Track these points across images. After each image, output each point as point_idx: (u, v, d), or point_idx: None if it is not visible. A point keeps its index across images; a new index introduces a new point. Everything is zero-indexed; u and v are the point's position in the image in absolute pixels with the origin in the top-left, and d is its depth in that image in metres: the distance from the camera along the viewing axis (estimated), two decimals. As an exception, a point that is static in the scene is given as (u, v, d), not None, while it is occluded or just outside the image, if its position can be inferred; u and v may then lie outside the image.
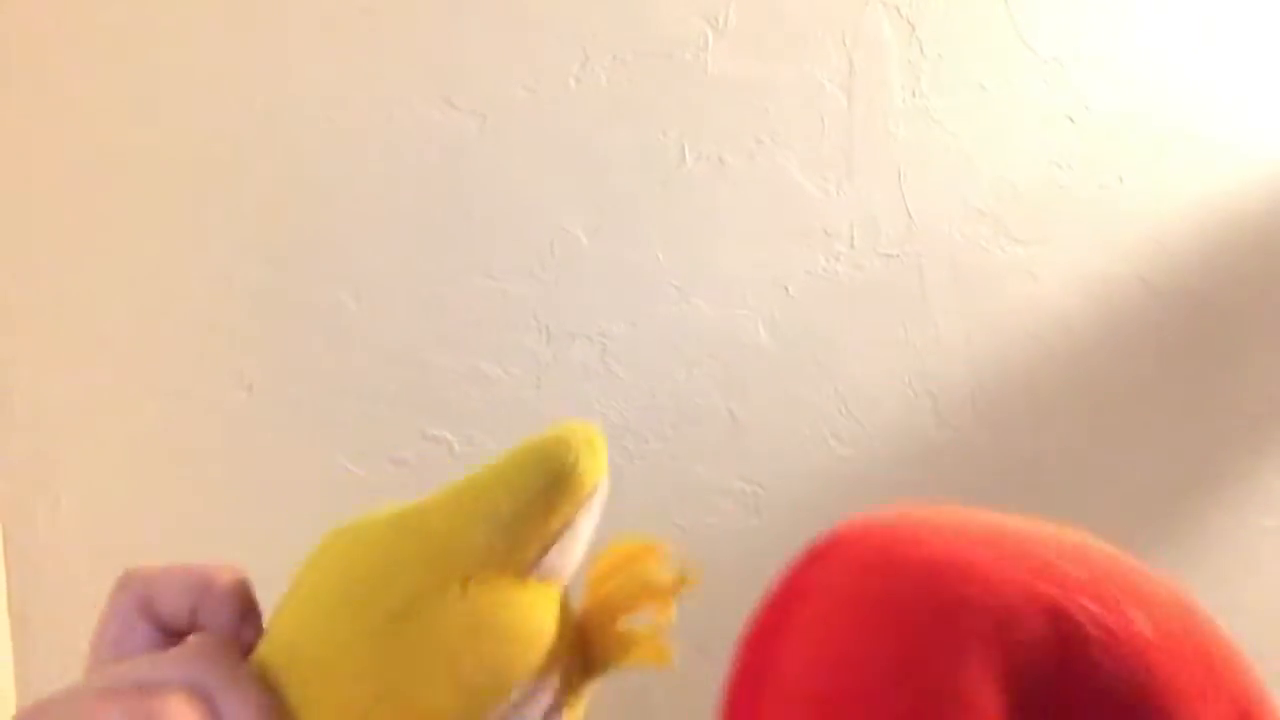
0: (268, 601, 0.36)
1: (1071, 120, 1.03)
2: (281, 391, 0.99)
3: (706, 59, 1.00)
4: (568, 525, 0.35)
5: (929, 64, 1.01)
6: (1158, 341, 1.04)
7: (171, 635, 0.29)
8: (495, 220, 1.00)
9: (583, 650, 0.37)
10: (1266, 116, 1.03)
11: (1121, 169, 1.03)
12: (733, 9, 1.00)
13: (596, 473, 0.36)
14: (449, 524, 0.33)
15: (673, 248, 1.01)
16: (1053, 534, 0.40)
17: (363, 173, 0.99)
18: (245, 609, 0.30)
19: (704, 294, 1.02)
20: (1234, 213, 1.04)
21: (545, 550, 0.34)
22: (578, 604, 0.38)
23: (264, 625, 0.31)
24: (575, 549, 0.37)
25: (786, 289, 1.02)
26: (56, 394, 0.99)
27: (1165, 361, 1.04)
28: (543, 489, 0.34)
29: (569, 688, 0.35)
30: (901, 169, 1.02)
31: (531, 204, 1.00)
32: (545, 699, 0.33)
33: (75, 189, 0.98)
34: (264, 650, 0.29)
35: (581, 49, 0.99)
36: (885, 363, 1.03)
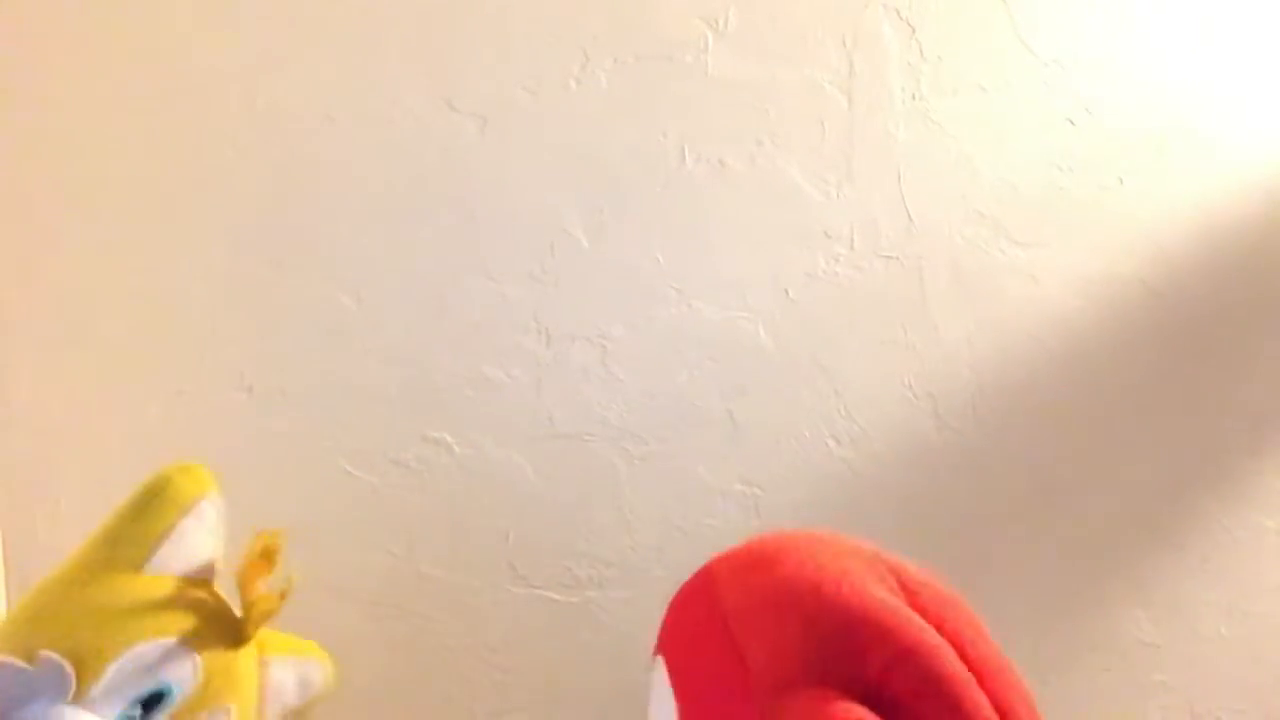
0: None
1: (1072, 122, 1.03)
2: (281, 392, 0.99)
3: (707, 61, 1.00)
4: (171, 531, 0.60)
5: (929, 66, 1.01)
6: (1158, 343, 1.04)
7: None
8: (495, 222, 1.00)
9: (244, 611, 0.63)
10: (1266, 116, 1.03)
11: (1121, 171, 1.03)
12: (733, 11, 1.00)
13: (192, 490, 0.63)
14: (86, 543, 0.60)
15: (673, 250, 1.01)
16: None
17: (363, 173, 0.99)
18: None
19: (704, 296, 1.02)
20: (1234, 214, 1.04)
21: (154, 550, 0.60)
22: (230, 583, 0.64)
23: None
24: (189, 547, 0.63)
25: (786, 291, 1.02)
26: (56, 394, 0.99)
27: (1166, 363, 1.04)
28: (140, 506, 0.60)
29: (204, 643, 0.60)
30: (901, 171, 1.02)
31: (531, 206, 1.00)
32: (160, 650, 0.57)
33: (75, 189, 0.98)
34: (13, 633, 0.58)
35: (582, 51, 0.99)
36: (885, 365, 1.03)
